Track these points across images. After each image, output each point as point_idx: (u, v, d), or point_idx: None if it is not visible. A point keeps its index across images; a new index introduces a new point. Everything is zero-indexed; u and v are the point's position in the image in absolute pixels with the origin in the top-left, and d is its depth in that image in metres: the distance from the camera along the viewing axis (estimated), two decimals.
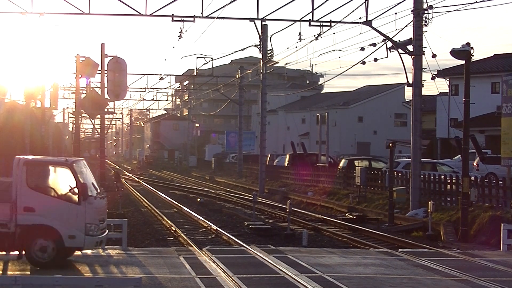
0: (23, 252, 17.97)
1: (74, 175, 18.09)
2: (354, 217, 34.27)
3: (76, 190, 17.92)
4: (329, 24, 33.57)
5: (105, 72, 36.56)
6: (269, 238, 28.43)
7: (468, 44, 27.28)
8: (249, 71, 60.41)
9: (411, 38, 31.79)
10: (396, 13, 31.93)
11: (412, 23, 31.55)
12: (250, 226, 30.85)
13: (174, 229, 30.12)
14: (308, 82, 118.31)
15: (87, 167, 19.01)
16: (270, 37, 47.75)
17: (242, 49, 72.97)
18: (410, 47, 31.96)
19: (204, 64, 59.52)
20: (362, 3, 31.92)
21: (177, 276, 17.35)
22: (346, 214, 35.58)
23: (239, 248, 22.65)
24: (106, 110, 39.79)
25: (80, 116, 41.24)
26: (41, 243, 17.78)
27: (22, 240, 17.80)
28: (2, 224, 17.80)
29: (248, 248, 22.26)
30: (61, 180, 18.45)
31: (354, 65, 78.38)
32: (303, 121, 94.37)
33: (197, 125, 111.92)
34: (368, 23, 32.05)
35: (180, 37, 33.72)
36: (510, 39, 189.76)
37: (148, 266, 18.40)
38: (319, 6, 33.01)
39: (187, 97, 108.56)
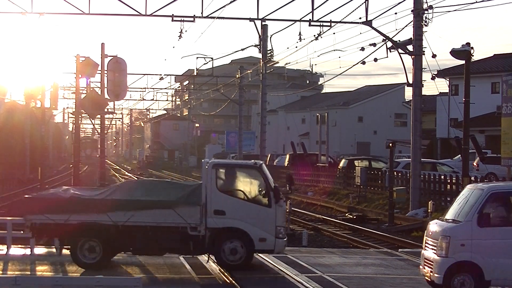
0: (208, 255, 18.13)
1: (264, 178, 18.24)
2: (354, 217, 34.28)
3: (265, 193, 18.02)
4: (329, 24, 33.52)
5: (105, 72, 36.53)
6: None
7: (468, 44, 27.29)
8: (249, 71, 60.31)
9: (411, 38, 31.76)
10: (396, 13, 31.90)
11: (412, 23, 31.53)
12: None
13: None
14: (308, 82, 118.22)
15: None
16: (270, 37, 47.72)
17: (242, 49, 72.71)
18: (410, 47, 31.93)
19: (204, 64, 59.37)
20: (362, 3, 31.89)
21: (177, 276, 17.35)
22: (346, 214, 35.58)
23: None
24: (106, 110, 39.76)
25: (80, 116, 41.20)
26: (232, 246, 17.83)
27: (212, 243, 17.82)
28: (192, 227, 17.79)
29: None
30: (250, 183, 18.57)
31: (354, 65, 78.40)
32: (303, 121, 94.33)
33: (197, 125, 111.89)
34: (368, 23, 32.02)
35: (180, 37, 33.70)
36: (510, 39, 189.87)
37: (148, 266, 18.40)
38: (319, 6, 32.96)
39: (187, 97, 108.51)
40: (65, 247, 18.37)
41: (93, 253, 17.88)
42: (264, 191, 18.09)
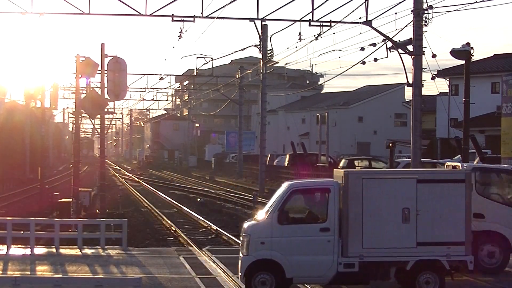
0: None
1: None
2: None
3: None
4: (329, 24, 33.49)
5: (105, 72, 36.48)
6: None
7: (468, 44, 27.30)
8: (249, 71, 60.33)
9: (411, 38, 31.73)
10: (396, 13, 31.84)
11: (412, 23, 31.49)
12: None
13: (174, 229, 30.12)
14: (308, 82, 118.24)
15: None
16: (270, 37, 47.72)
17: (242, 49, 72.55)
18: (410, 47, 31.90)
19: (204, 64, 59.42)
20: (362, 3, 31.86)
21: (177, 276, 17.36)
22: None
23: (239, 248, 22.61)
24: (106, 110, 39.71)
25: (80, 116, 41.15)
26: (489, 249, 17.96)
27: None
28: None
29: None
30: (508, 187, 18.68)
31: (354, 65, 78.05)
32: (303, 121, 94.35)
33: (197, 125, 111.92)
34: (368, 23, 32.00)
35: (180, 37, 33.67)
36: (510, 39, 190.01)
37: (148, 266, 18.40)
38: (319, 6, 32.93)
39: (187, 97, 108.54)
40: None
41: None
42: None
